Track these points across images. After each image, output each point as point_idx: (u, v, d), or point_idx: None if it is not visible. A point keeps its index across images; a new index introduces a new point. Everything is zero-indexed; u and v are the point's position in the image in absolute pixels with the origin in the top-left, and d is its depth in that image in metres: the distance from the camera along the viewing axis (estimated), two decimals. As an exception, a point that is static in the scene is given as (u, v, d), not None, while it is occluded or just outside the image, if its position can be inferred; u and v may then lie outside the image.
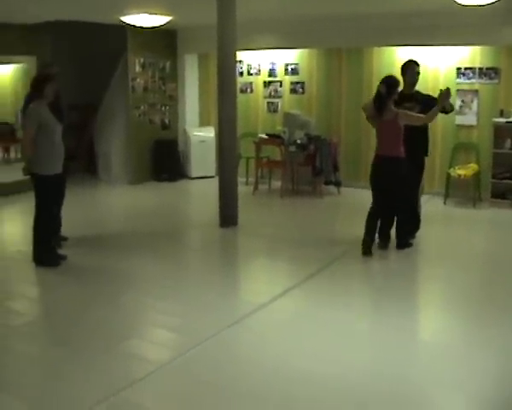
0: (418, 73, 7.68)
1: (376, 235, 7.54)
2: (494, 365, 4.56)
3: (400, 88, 7.37)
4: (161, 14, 9.90)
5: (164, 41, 12.46)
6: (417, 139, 7.46)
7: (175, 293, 6.15)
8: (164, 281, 6.53)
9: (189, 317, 5.50)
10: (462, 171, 10.16)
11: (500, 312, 5.65)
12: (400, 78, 7.54)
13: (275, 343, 4.95)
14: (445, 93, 7.11)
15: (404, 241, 7.53)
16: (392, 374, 4.41)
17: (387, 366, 4.55)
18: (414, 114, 7.23)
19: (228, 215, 8.63)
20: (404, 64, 7.71)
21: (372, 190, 7.46)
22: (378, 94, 7.19)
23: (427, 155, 7.83)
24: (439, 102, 7.09)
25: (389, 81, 7.16)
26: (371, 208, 7.45)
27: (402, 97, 7.39)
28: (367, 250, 7.27)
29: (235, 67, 8.71)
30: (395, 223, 7.53)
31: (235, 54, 8.54)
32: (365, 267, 7.13)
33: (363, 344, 5.00)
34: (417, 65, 7.67)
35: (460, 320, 5.55)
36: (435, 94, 7.38)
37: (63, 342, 5.02)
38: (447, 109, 7.47)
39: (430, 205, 9.79)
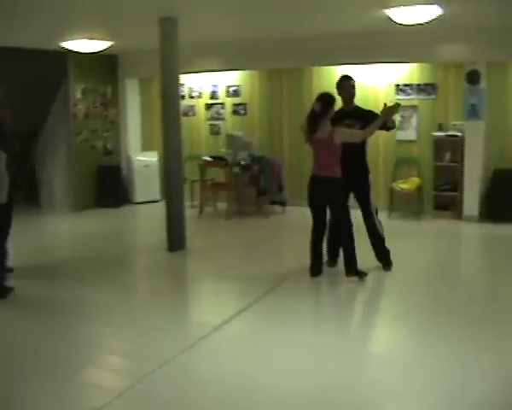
0: (354, 87, 7.35)
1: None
2: (447, 375, 4.62)
3: (339, 106, 7.14)
4: (101, 39, 9.85)
5: (104, 66, 12.39)
6: (356, 159, 7.17)
7: (128, 320, 6.03)
8: (116, 308, 6.40)
9: (144, 343, 5.40)
10: (405, 185, 10.37)
11: (450, 322, 5.75)
12: (337, 96, 7.23)
13: (232, 363, 4.91)
14: (391, 108, 6.78)
15: (353, 266, 6.99)
16: (346, 387, 4.43)
17: (342, 379, 4.56)
18: (350, 130, 6.89)
19: (176, 239, 8.57)
20: (339, 81, 7.39)
21: (311, 212, 7.11)
22: (312, 112, 6.84)
23: (369, 173, 7.39)
24: (383, 116, 6.74)
25: (324, 98, 6.82)
26: (312, 233, 7.15)
27: (342, 114, 7.14)
28: (315, 273, 7.12)
29: (178, 91, 8.69)
30: (342, 249, 7.22)
31: (178, 77, 8.53)
32: (314, 285, 7.07)
33: (317, 359, 4.98)
34: (351, 79, 7.34)
35: (412, 332, 5.61)
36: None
37: (18, 374, 4.87)
38: (389, 126, 7.12)
39: None
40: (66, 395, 4.42)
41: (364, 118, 7.02)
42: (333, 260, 7.53)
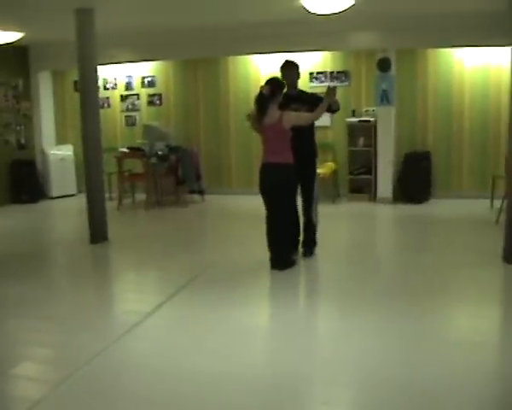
0: (298, 72, 7.27)
1: None
2: (367, 343, 4.82)
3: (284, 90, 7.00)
4: (12, 30, 9.66)
5: (15, 58, 12.10)
6: (305, 142, 7.12)
7: (56, 313, 5.86)
8: (42, 302, 6.19)
9: (76, 334, 5.27)
10: (321, 170, 10.59)
11: (363, 293, 6.00)
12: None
13: (168, 347, 4.90)
14: (332, 89, 6.75)
15: (286, 257, 6.93)
16: (284, 364, 4.51)
17: (280, 358, 4.66)
18: (299, 113, 6.76)
19: (98, 231, 8.47)
20: (282, 66, 7.27)
21: (264, 201, 6.88)
22: (260, 96, 6.68)
23: (316, 157, 7.40)
24: (327, 98, 6.67)
25: (274, 82, 6.73)
26: (267, 224, 6.90)
27: (287, 99, 6.96)
28: (278, 265, 6.80)
29: (96, 83, 8.60)
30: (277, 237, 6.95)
31: (96, 69, 8.42)
32: (242, 267, 7.09)
33: (252, 340, 5.04)
34: (294, 64, 7.26)
35: (334, 308, 5.81)
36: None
37: None
38: (334, 108, 7.07)
39: None
40: (3, 389, 4.35)
41: (309, 101, 7.01)
42: (307, 252, 7.39)
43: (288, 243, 6.98)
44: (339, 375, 4.29)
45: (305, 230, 7.42)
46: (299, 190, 7.15)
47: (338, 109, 7.25)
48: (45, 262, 8.16)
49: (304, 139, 6.99)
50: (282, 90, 6.78)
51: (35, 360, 4.89)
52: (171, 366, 4.53)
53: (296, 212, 7.18)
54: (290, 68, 7.21)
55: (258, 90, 6.81)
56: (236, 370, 4.39)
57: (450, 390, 3.91)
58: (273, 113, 6.63)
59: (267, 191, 6.80)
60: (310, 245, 7.44)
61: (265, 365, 4.57)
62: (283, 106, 6.79)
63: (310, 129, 7.12)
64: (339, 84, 10.80)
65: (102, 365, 4.61)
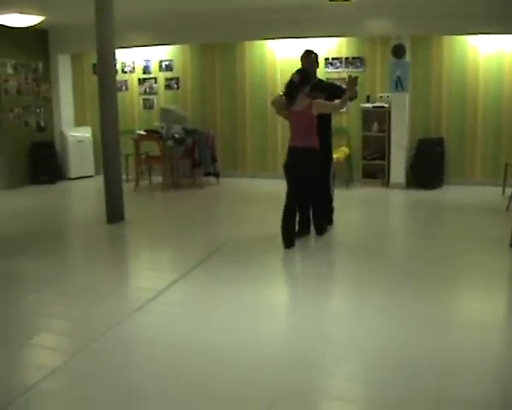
0: (317, 61, 7.70)
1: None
2: (377, 324, 4.99)
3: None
4: (34, 13, 9.85)
5: (35, 42, 12.30)
6: (324, 128, 7.47)
7: (70, 289, 6.08)
8: (59, 277, 6.41)
9: (90, 309, 5.45)
10: (335, 154, 10.71)
11: (373, 277, 6.14)
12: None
13: (179, 322, 5.09)
14: (354, 79, 7.10)
15: (322, 227, 7.57)
16: (290, 340, 4.74)
17: (287, 334, 4.90)
18: (327, 102, 7.15)
19: (114, 211, 8.65)
20: (302, 55, 7.67)
21: (287, 181, 7.19)
22: (290, 83, 7.00)
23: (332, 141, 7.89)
24: (350, 88, 7.06)
25: (304, 72, 7.10)
26: (286, 203, 7.18)
27: None
28: (289, 243, 7.11)
29: (114, 66, 8.74)
30: (312, 212, 7.54)
31: (114, 53, 8.54)
32: (254, 247, 7.31)
33: (261, 316, 5.20)
34: (313, 53, 7.66)
35: (345, 288, 5.99)
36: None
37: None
38: (353, 96, 7.42)
39: None
40: (21, 357, 4.57)
41: (328, 90, 7.45)
42: (305, 231, 7.64)
43: (323, 217, 7.63)
44: (346, 352, 4.48)
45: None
46: None
47: (356, 97, 7.67)
48: (63, 240, 8.41)
49: (321, 126, 7.24)
50: (310, 79, 7.10)
51: (52, 331, 5.10)
52: (181, 339, 4.72)
53: (328, 190, 7.78)
54: (309, 58, 7.60)
55: (288, 79, 7.09)
56: (243, 344, 4.58)
57: (458, 367, 4.09)
58: (302, 100, 6.96)
59: (292, 172, 7.13)
60: (330, 216, 8.02)
61: (272, 340, 4.73)
62: None
63: (328, 117, 7.54)
64: (354, 71, 10.93)
65: (116, 337, 4.82)
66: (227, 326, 4.97)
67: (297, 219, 7.36)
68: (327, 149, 7.65)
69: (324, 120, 7.39)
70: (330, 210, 8.02)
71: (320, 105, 7.02)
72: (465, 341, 4.57)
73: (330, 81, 7.87)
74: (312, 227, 7.61)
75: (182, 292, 5.91)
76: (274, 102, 7.41)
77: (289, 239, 7.13)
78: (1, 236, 8.34)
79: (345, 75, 10.96)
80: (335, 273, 6.61)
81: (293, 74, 7.06)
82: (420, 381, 3.90)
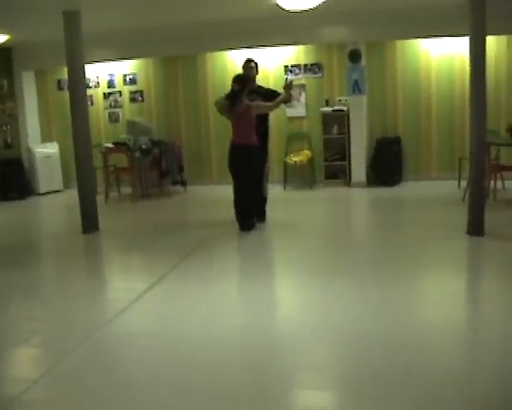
0: (256, 68, 8.54)
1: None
2: (346, 307, 5.38)
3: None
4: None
5: (-1, 60, 12.51)
6: (261, 127, 8.26)
7: (51, 297, 6.34)
8: (36, 288, 6.60)
9: (74, 314, 5.63)
10: (297, 158, 11.19)
11: (342, 265, 6.58)
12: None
13: (166, 318, 5.39)
14: (289, 83, 8.22)
15: (252, 220, 8.32)
16: (260, 328, 5.05)
17: (268, 322, 5.20)
18: (263, 103, 8.13)
19: (89, 221, 8.89)
20: (244, 63, 8.58)
21: (232, 175, 8.18)
22: (232, 91, 8.03)
23: (267, 141, 8.66)
24: (286, 91, 8.14)
25: (241, 79, 8.07)
26: (234, 194, 8.19)
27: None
28: (246, 226, 8.15)
29: (84, 81, 8.99)
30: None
31: (83, 68, 8.79)
32: (221, 251, 7.68)
33: (233, 310, 5.59)
34: (253, 61, 8.52)
35: (313, 278, 6.34)
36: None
37: None
38: (288, 99, 8.39)
39: (272, 192, 10.34)
40: (2, 368, 4.68)
41: (264, 94, 8.40)
42: (259, 220, 8.48)
43: (254, 210, 8.39)
44: (316, 332, 4.83)
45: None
46: None
47: (290, 101, 8.68)
48: (39, 251, 8.62)
49: (258, 126, 8.13)
50: (247, 83, 8.08)
51: (29, 344, 5.10)
52: (163, 332, 5.06)
53: (261, 185, 8.42)
54: (249, 65, 8.55)
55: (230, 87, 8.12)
56: (218, 333, 4.92)
57: (424, 342, 4.48)
58: (243, 103, 7.98)
59: (235, 166, 8.13)
60: (262, 213, 8.67)
61: (251, 328, 5.05)
62: None
63: (264, 117, 8.44)
64: (313, 76, 11.42)
65: (104, 336, 5.07)
66: (201, 318, 5.28)
67: None
68: (262, 149, 8.42)
69: (261, 122, 8.25)
70: (263, 208, 8.69)
71: (257, 106, 8.06)
72: (429, 318, 5.01)
73: (267, 87, 8.80)
74: None
75: (161, 292, 6.17)
76: (217, 104, 8.43)
77: (243, 223, 8.16)
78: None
79: (304, 81, 11.46)
80: (300, 264, 6.91)
81: (232, 83, 8.07)
82: (391, 356, 4.27)
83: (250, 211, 8.31)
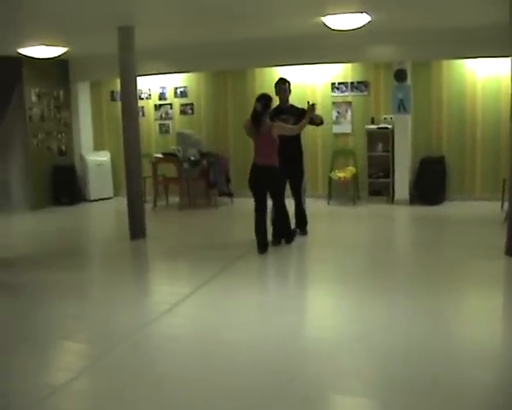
0: (289, 88, 8.69)
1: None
2: (383, 319, 5.57)
3: (276, 103, 8.47)
4: (58, 45, 10.47)
5: (56, 70, 12.91)
6: (293, 147, 8.47)
7: (99, 298, 6.72)
8: (86, 289, 7.05)
9: (119, 314, 5.99)
10: (342, 173, 11.38)
11: (379, 280, 6.76)
12: (276, 96, 8.64)
13: (206, 322, 5.71)
14: (312, 106, 8.13)
15: (283, 235, 8.40)
16: (291, 335, 5.29)
17: (288, 331, 5.42)
18: (285, 125, 8.15)
19: (137, 228, 9.25)
20: (276, 83, 8.79)
21: (252, 194, 8.13)
22: (255, 111, 7.98)
23: (302, 159, 8.82)
24: (308, 114, 8.10)
25: (263, 99, 8.02)
26: (255, 214, 8.13)
27: (279, 111, 8.49)
28: (262, 249, 8.02)
29: (136, 94, 9.35)
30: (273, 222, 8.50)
31: (135, 81, 9.18)
32: (263, 261, 7.94)
33: (271, 316, 5.79)
34: (286, 82, 8.71)
35: (351, 290, 6.53)
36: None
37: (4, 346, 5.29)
38: (316, 122, 8.49)
39: (315, 206, 10.80)
40: (51, 359, 5.05)
41: (297, 114, 8.44)
42: (277, 240, 8.41)
43: (280, 229, 8.39)
44: (351, 341, 5.03)
45: (296, 215, 8.85)
46: (287, 186, 8.61)
47: (321, 123, 8.71)
48: (88, 255, 9.04)
49: (290, 145, 8.30)
50: (270, 104, 8.09)
51: (75, 339, 5.48)
52: (202, 335, 5.36)
53: (284, 205, 8.35)
54: (282, 85, 8.70)
55: (253, 107, 8.07)
56: (255, 338, 5.17)
57: (453, 352, 4.65)
58: (266, 123, 7.98)
59: (256, 186, 8.10)
60: (302, 226, 8.92)
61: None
62: (275, 117, 8.23)
63: (296, 137, 8.47)
64: (359, 94, 11.61)
65: (144, 337, 5.37)
66: (242, 324, 5.54)
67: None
68: (298, 167, 8.72)
69: (292, 142, 8.37)
70: (304, 221, 8.90)
71: (280, 127, 8.03)
72: (463, 333, 5.17)
73: (301, 107, 8.57)
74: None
75: (203, 297, 6.47)
76: (245, 126, 8.29)
77: (262, 245, 8.05)
78: (30, 253, 8.87)
79: (350, 99, 11.65)
80: (339, 278, 7.10)
81: (255, 103, 8.02)
82: (422, 367, 4.44)
83: (278, 231, 8.37)
